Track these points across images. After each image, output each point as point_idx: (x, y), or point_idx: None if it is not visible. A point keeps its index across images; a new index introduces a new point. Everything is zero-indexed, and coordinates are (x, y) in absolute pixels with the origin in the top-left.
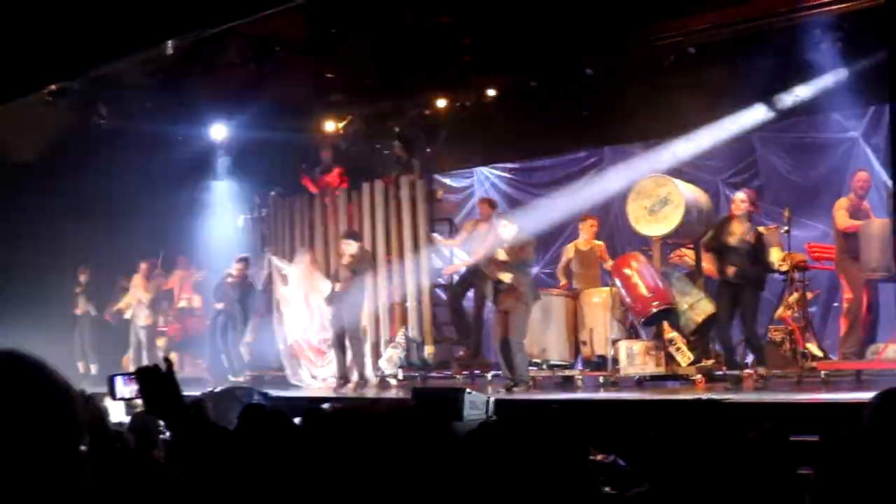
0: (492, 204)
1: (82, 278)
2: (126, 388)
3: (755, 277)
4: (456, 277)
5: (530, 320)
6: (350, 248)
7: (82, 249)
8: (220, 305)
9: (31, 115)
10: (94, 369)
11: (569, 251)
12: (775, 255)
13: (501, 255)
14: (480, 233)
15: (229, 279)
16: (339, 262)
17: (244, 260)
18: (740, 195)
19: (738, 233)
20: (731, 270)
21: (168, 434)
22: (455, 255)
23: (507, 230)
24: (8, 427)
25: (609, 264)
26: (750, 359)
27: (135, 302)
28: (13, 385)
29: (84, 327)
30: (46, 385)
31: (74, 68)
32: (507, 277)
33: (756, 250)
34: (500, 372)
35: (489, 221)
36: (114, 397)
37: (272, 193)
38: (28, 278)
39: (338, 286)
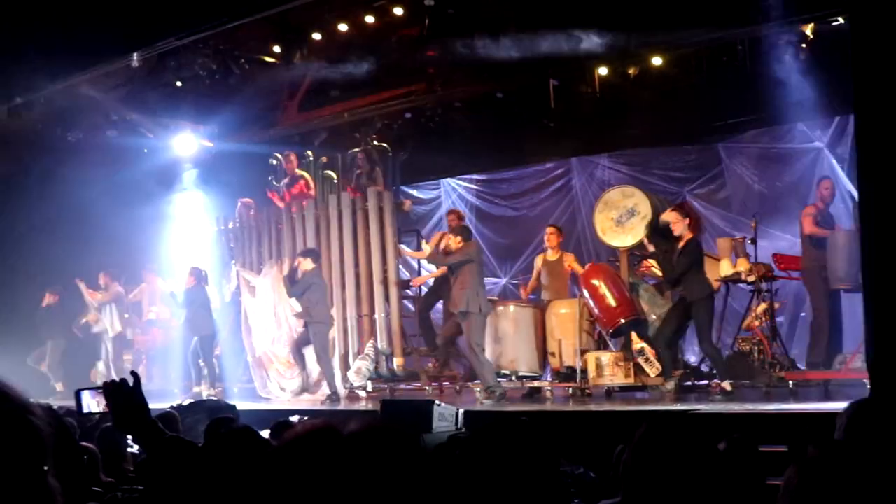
0: (460, 216)
1: (49, 299)
2: (93, 402)
3: (701, 291)
4: (424, 289)
5: (500, 331)
6: (306, 264)
7: (49, 264)
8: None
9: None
10: (59, 387)
11: (539, 262)
12: (742, 266)
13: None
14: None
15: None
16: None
17: (193, 271)
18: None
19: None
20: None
21: (137, 448)
22: (423, 266)
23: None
24: None
25: (581, 272)
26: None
27: (96, 313)
28: None
29: (50, 344)
30: (5, 406)
31: (40, 81)
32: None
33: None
34: (469, 384)
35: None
36: (81, 412)
37: (239, 203)
38: None
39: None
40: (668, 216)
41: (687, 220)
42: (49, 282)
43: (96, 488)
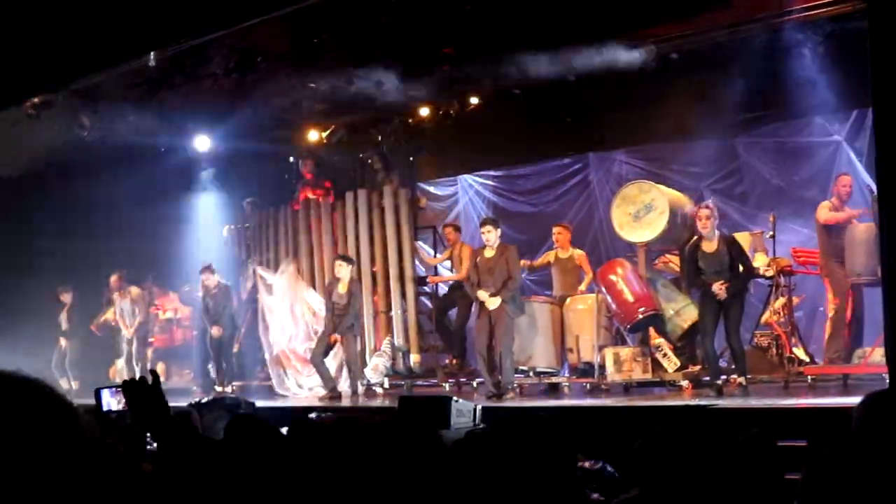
0: (457, 228)
1: (63, 298)
2: (113, 401)
3: (738, 289)
4: (441, 287)
5: (517, 327)
6: (343, 270)
7: (66, 264)
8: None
9: (14, 128)
10: (74, 385)
11: (549, 256)
12: (760, 260)
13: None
14: (457, 255)
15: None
16: (333, 282)
17: (207, 269)
18: (703, 212)
19: (710, 251)
20: (719, 289)
21: (156, 445)
22: (439, 266)
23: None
24: (17, 449)
25: (589, 277)
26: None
27: (118, 311)
28: (19, 406)
29: (64, 344)
30: (55, 404)
31: (57, 81)
32: (493, 303)
33: (734, 260)
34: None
35: (457, 244)
36: (100, 410)
37: (246, 201)
38: (9, 294)
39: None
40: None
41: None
42: (63, 281)
43: None
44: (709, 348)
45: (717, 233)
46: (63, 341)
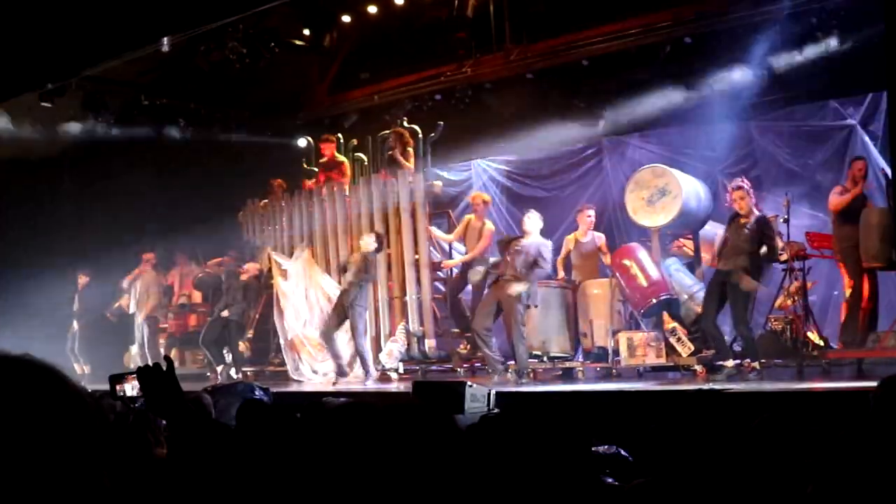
0: (485, 200)
1: (81, 281)
2: (127, 387)
3: (755, 268)
4: (455, 272)
5: (531, 313)
6: (368, 243)
7: (82, 249)
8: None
9: (33, 114)
10: (87, 369)
11: (569, 242)
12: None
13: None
14: (475, 228)
15: (243, 276)
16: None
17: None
18: (739, 192)
19: (745, 229)
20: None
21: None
22: (454, 248)
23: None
24: (30, 435)
25: (607, 258)
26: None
27: (137, 296)
28: (31, 391)
29: (78, 329)
30: (63, 390)
31: (71, 67)
32: (516, 290)
33: (762, 239)
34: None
35: (482, 217)
36: (114, 396)
37: (275, 182)
38: (28, 278)
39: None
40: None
41: (751, 198)
42: (81, 264)
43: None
44: (709, 328)
45: (754, 211)
46: (75, 324)
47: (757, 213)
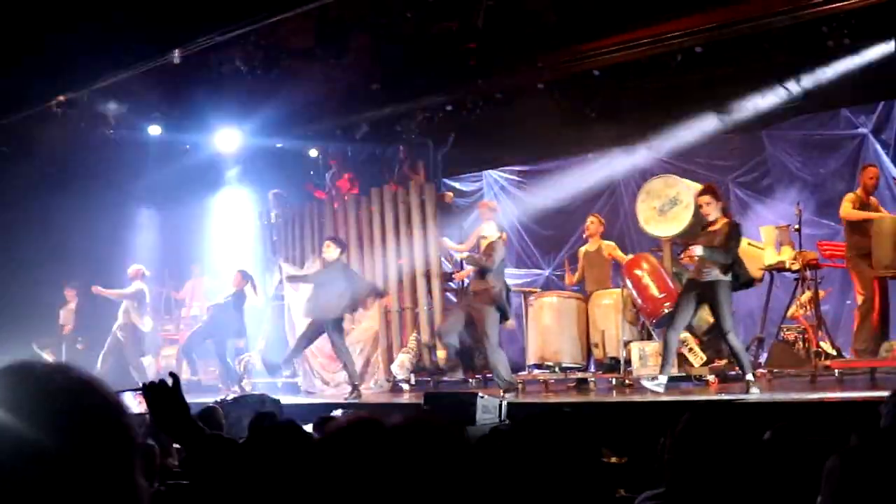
0: (491, 207)
1: (69, 296)
2: (133, 403)
3: (713, 272)
4: (467, 282)
5: (543, 323)
6: (330, 252)
7: (87, 260)
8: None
9: (41, 126)
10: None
11: (581, 254)
12: (786, 254)
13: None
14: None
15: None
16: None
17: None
18: (703, 198)
19: (717, 236)
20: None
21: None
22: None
23: (487, 229)
24: (67, 441)
25: (624, 259)
26: (763, 357)
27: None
28: (70, 400)
29: (68, 344)
30: (101, 399)
31: (82, 79)
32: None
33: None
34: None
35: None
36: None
37: (272, 192)
38: (24, 291)
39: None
40: (702, 199)
41: (720, 203)
42: (69, 279)
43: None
44: (670, 340)
45: (723, 217)
46: (68, 341)
47: (725, 218)
